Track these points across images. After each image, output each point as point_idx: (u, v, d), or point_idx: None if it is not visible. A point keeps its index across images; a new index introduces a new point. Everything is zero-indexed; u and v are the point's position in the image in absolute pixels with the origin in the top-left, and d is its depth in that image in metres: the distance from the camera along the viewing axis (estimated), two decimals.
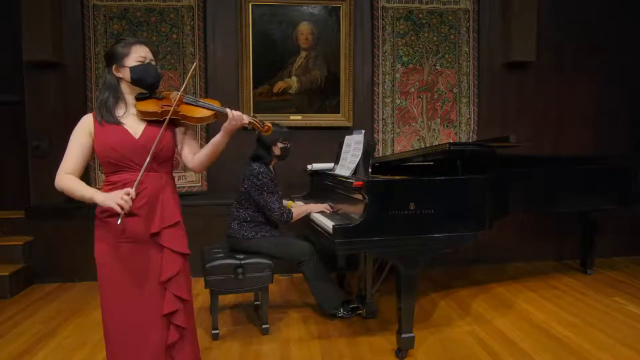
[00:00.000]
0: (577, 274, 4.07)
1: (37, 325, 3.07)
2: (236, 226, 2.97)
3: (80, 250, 3.91)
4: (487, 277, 4.02)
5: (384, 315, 3.17)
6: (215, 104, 1.86)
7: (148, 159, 1.69)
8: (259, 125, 1.98)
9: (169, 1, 3.97)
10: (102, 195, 1.64)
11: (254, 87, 4.06)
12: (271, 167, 3.02)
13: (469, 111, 4.36)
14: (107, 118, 1.74)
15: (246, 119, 1.86)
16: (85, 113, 4.07)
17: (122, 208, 1.58)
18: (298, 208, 3.05)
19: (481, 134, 4.35)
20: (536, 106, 4.41)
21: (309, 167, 3.72)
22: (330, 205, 3.05)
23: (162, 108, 1.76)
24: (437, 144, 4.25)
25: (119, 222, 1.60)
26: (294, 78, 4.11)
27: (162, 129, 1.73)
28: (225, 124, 1.81)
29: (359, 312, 3.14)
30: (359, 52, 4.18)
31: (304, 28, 4.08)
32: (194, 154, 1.86)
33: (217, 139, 1.82)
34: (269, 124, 2.01)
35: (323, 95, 4.15)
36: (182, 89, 1.82)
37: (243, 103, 4.03)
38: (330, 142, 3.72)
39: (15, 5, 3.74)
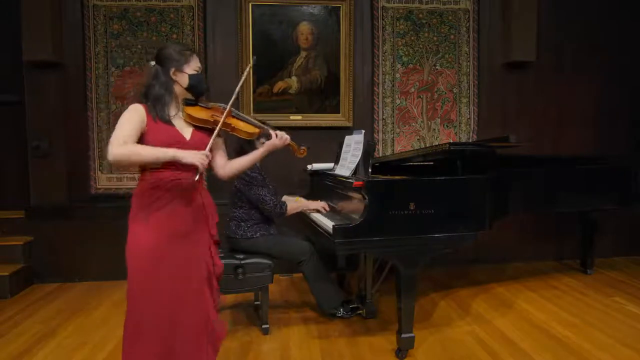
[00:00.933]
0: (577, 274, 4.07)
1: (37, 325, 3.06)
2: (234, 227, 2.96)
3: (80, 250, 3.92)
4: (487, 277, 4.02)
5: (384, 315, 3.17)
6: (254, 121, 2.07)
7: (197, 177, 1.81)
8: (296, 147, 2.24)
9: (169, 1, 3.97)
10: (187, 155, 1.75)
11: (254, 87, 4.06)
12: (257, 163, 2.98)
13: (469, 111, 4.36)
14: (161, 115, 1.81)
15: (288, 139, 2.11)
16: (85, 113, 4.14)
17: (202, 166, 1.75)
18: (293, 203, 3.04)
19: (481, 134, 4.35)
20: (536, 106, 4.41)
21: (309, 167, 3.72)
22: (329, 205, 3.05)
23: (213, 117, 1.89)
24: (437, 144, 4.25)
25: (196, 178, 1.78)
26: (294, 78, 4.11)
27: (214, 136, 1.87)
28: (271, 142, 2.06)
29: (359, 312, 3.14)
30: (359, 52, 4.18)
31: (304, 28, 4.08)
32: (224, 164, 2.01)
33: (257, 154, 2.05)
34: (305, 148, 2.29)
35: (323, 95, 4.15)
36: (231, 102, 1.92)
37: (243, 103, 4.04)
38: (330, 142, 3.72)
39: (15, 5, 3.74)
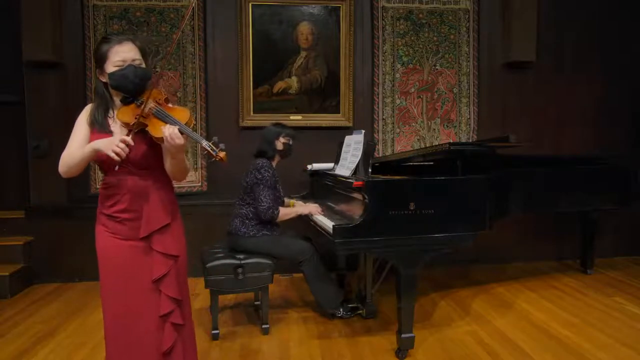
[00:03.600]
0: (577, 274, 4.07)
1: (37, 325, 3.07)
2: (238, 223, 2.96)
3: (80, 250, 3.91)
4: (487, 277, 4.02)
5: (384, 315, 3.17)
6: (183, 116, 1.70)
7: (117, 167, 1.64)
8: (211, 152, 1.66)
9: (169, 1, 3.97)
10: (98, 143, 1.61)
11: (254, 87, 4.06)
12: (273, 163, 3.03)
13: (469, 111, 4.36)
14: (94, 123, 1.72)
15: (181, 141, 1.64)
16: None
17: (118, 155, 1.57)
18: (286, 209, 3.03)
19: (481, 134, 4.35)
20: (536, 106, 4.41)
21: (309, 167, 3.72)
22: (329, 205, 3.04)
23: (135, 119, 1.65)
24: (437, 144, 4.25)
25: (116, 168, 1.63)
26: (294, 78, 4.11)
27: (129, 138, 1.61)
28: (165, 145, 1.65)
29: (358, 312, 3.14)
30: (359, 52, 4.18)
31: (304, 28, 4.08)
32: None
33: (167, 159, 1.73)
34: (223, 155, 1.66)
35: (323, 95, 4.15)
36: (149, 94, 1.67)
37: (243, 103, 4.04)
38: (330, 142, 3.72)
39: (15, 5, 3.74)
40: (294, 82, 4.12)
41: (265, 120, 3.86)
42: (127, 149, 1.58)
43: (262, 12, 4.01)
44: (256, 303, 3.28)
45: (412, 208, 2.41)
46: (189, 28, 4.01)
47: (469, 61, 4.32)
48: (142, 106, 1.67)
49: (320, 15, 4.08)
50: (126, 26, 3.93)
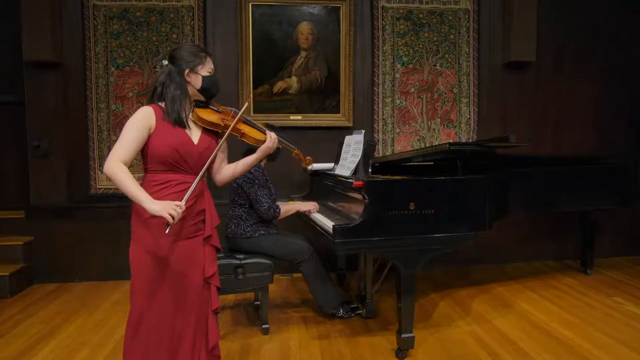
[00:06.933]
0: (577, 274, 4.07)
1: (37, 325, 3.07)
2: (234, 226, 2.95)
3: (80, 250, 3.92)
4: (487, 277, 4.02)
5: (384, 315, 3.17)
6: (264, 126, 2.07)
7: (206, 166, 1.81)
8: (302, 157, 2.18)
9: (169, 1, 3.97)
10: (155, 205, 1.66)
11: (254, 87, 4.06)
12: (262, 164, 3.01)
13: (469, 111, 4.36)
14: (177, 117, 1.80)
15: (277, 144, 2.00)
16: (85, 113, 4.13)
17: (172, 218, 1.65)
18: (285, 206, 3.03)
19: (481, 134, 4.35)
20: (536, 106, 4.41)
21: (309, 167, 3.71)
22: (329, 205, 3.04)
23: (223, 121, 1.89)
24: (437, 144, 4.25)
25: (167, 231, 1.69)
26: (294, 78, 4.11)
27: (223, 141, 1.88)
28: (264, 145, 1.96)
29: (358, 312, 3.14)
30: (359, 52, 4.18)
31: (304, 28, 4.08)
32: (221, 169, 2.02)
33: (251, 159, 2.00)
34: (310, 159, 2.22)
35: (323, 95, 4.15)
36: (243, 109, 1.94)
37: (243, 103, 4.03)
38: (330, 142, 3.72)
39: (15, 5, 3.75)
40: (294, 82, 4.12)
41: (265, 120, 3.86)
42: (181, 214, 1.67)
43: (262, 12, 4.01)
44: (256, 303, 3.28)
45: (412, 208, 2.41)
46: (189, 28, 4.01)
47: (469, 61, 4.32)
48: (230, 114, 1.94)
49: (320, 15, 4.08)
50: (126, 26, 3.93)
